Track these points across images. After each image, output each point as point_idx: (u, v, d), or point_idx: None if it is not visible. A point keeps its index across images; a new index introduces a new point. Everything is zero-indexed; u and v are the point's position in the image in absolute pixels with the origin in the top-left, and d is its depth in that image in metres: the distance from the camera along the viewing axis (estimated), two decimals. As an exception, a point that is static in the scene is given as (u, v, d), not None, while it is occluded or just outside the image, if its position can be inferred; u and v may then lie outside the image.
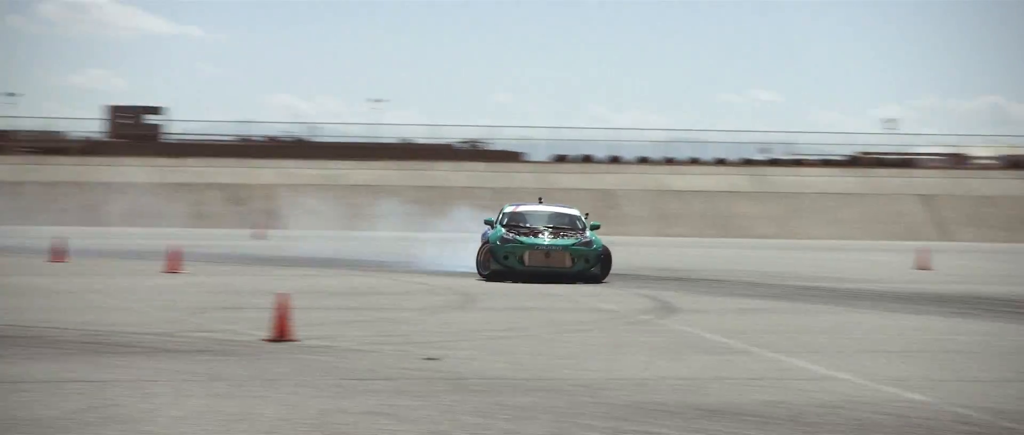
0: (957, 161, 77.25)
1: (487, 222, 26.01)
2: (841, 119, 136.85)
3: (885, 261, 39.47)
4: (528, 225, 25.17)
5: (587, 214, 26.65)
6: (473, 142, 77.45)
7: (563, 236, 24.63)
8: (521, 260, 24.26)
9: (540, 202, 27.08)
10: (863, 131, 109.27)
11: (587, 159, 75.33)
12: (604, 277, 24.51)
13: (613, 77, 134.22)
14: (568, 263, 24.21)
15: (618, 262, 28.75)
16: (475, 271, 25.60)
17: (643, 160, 75.69)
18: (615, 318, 18.18)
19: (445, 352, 13.61)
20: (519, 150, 75.94)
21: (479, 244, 25.56)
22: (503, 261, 24.34)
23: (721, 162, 75.73)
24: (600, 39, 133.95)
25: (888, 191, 70.95)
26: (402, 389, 11.04)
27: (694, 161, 75.80)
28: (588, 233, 24.97)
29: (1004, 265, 38.60)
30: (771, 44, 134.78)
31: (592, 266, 24.32)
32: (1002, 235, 66.53)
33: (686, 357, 13.77)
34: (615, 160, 75.42)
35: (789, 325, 17.75)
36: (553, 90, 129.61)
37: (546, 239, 24.45)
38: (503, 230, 24.91)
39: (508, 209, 26.19)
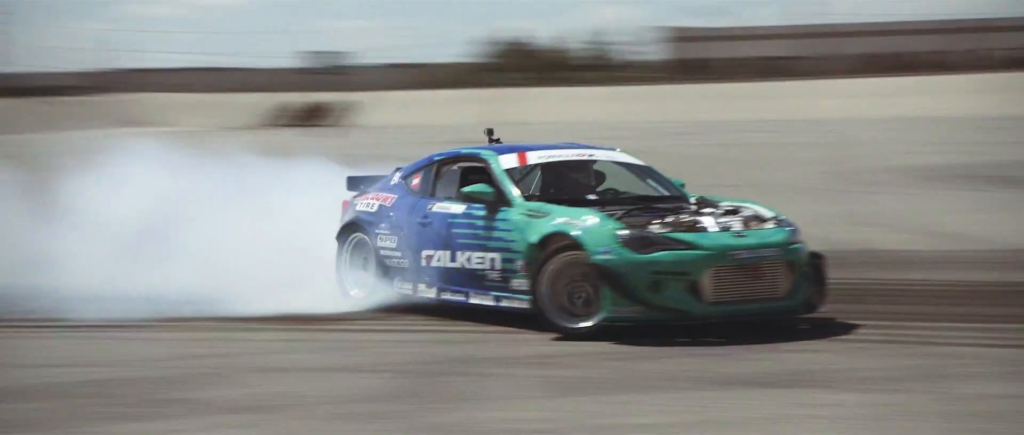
0: None
1: (470, 195, 10.96)
2: None
3: None
4: (616, 199, 11.21)
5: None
6: None
7: (732, 217, 10.79)
8: (695, 290, 10.21)
9: (490, 138, 12.19)
10: None
11: None
12: (821, 305, 10.94)
13: None
14: (784, 286, 10.59)
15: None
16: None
17: None
18: None
19: None
20: None
21: (489, 255, 10.91)
22: (648, 295, 10.18)
23: None
24: None
25: None
26: None
27: None
28: (755, 205, 11.15)
29: None
30: None
31: (808, 288, 10.83)
32: None
33: None
34: None
35: None
36: None
37: (738, 229, 10.60)
38: (606, 217, 10.41)
39: (504, 163, 11.19)
